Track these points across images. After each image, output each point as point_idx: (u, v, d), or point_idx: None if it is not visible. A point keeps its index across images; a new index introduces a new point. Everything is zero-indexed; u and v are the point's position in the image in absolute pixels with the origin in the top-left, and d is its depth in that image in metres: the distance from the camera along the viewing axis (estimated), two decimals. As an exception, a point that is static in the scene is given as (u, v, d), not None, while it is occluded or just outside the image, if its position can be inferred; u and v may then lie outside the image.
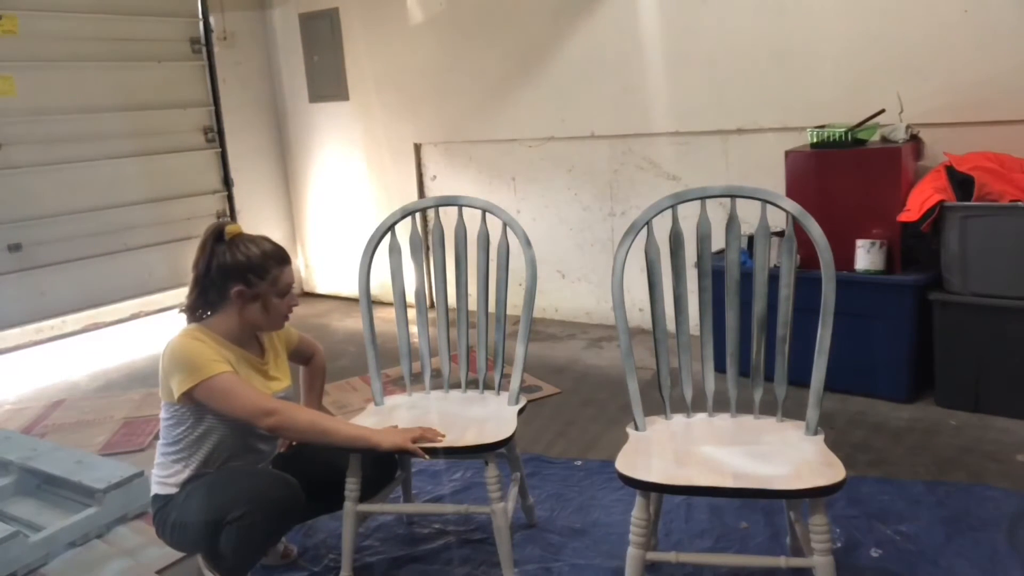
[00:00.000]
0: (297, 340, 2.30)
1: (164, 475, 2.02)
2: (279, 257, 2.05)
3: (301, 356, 2.34)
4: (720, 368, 2.03)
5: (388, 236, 2.35)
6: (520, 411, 2.19)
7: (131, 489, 2.56)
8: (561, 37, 4.24)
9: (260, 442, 2.10)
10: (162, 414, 2.03)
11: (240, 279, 1.99)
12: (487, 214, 2.29)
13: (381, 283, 2.36)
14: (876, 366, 3.13)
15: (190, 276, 2.04)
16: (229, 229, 2.02)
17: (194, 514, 1.93)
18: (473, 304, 2.36)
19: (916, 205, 2.94)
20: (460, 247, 2.30)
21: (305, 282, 5.81)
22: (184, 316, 2.08)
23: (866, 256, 3.08)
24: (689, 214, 1.96)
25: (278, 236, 5.52)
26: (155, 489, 2.04)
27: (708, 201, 1.97)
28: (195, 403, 1.95)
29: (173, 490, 2.00)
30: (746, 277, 1.98)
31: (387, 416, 2.19)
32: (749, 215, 2.22)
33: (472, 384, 2.35)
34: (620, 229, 4.24)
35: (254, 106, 5.46)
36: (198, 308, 2.06)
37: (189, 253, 2.10)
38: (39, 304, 4.32)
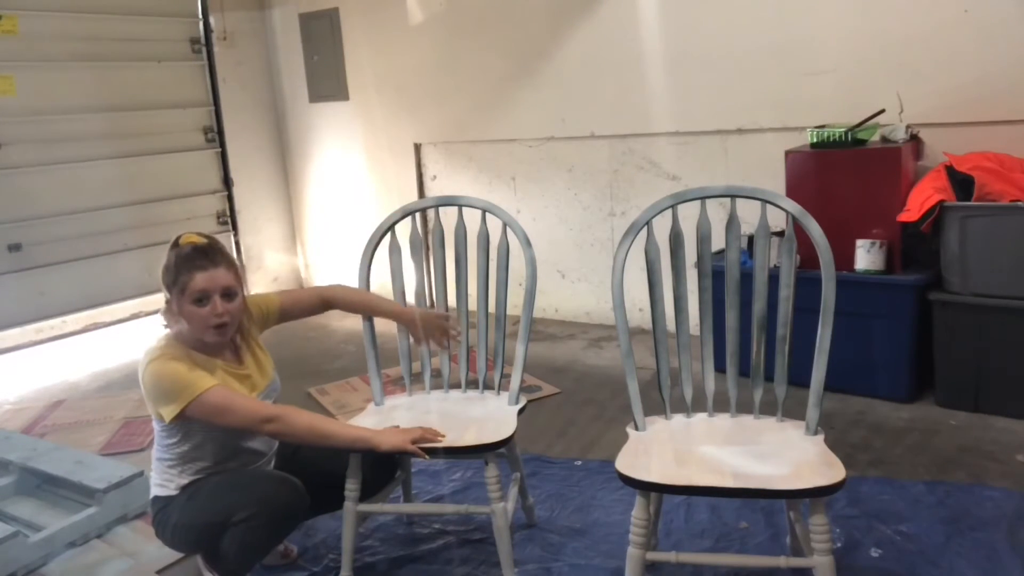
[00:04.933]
0: (279, 307, 2.19)
1: (163, 479, 2.02)
2: (190, 262, 1.89)
3: (302, 308, 2.24)
4: (720, 368, 2.03)
5: (388, 236, 2.35)
6: (520, 411, 2.19)
7: (131, 489, 2.55)
8: (561, 37, 4.24)
9: (256, 443, 2.09)
10: (154, 425, 2.00)
11: (166, 290, 1.92)
12: (487, 214, 2.29)
13: (381, 283, 2.35)
14: (876, 366, 3.13)
15: None
16: (183, 240, 1.94)
17: (198, 515, 1.93)
18: (473, 304, 2.36)
19: (916, 205, 2.94)
20: (460, 247, 2.30)
21: (305, 282, 5.81)
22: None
23: (866, 256, 3.08)
24: (689, 214, 1.95)
25: (278, 236, 5.66)
26: (155, 491, 2.03)
27: (708, 201, 1.97)
28: (189, 420, 1.91)
29: (174, 492, 1.99)
30: (746, 277, 1.98)
31: (387, 416, 2.19)
32: (749, 215, 2.22)
33: (472, 384, 2.35)
34: (620, 229, 4.23)
35: (254, 106, 5.46)
36: (167, 320, 1.99)
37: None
38: (39, 304, 4.31)
